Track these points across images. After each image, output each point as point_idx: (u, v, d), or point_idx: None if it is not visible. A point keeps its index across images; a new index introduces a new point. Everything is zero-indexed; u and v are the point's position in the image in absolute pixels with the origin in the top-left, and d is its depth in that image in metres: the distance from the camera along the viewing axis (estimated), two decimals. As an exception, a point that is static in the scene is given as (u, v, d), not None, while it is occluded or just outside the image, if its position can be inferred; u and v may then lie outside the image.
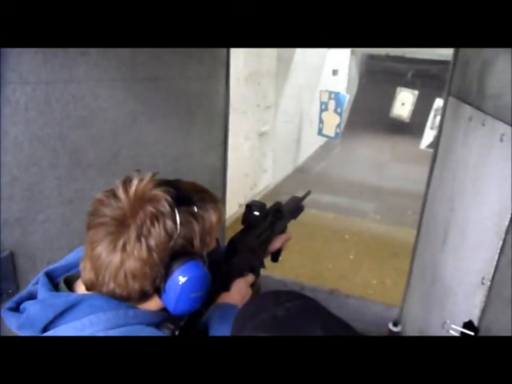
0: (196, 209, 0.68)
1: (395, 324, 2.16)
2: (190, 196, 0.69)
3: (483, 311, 1.03)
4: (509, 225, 0.94)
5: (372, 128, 8.78)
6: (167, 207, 0.63)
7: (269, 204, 1.05)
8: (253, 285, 0.95)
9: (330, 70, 7.15)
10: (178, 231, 0.64)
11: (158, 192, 0.64)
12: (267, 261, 1.10)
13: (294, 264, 3.41)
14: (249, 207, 0.95)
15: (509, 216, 0.93)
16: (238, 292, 0.88)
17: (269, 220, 1.03)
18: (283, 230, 1.13)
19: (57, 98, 1.18)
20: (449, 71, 1.78)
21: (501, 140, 1.01)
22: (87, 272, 0.66)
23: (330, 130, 4.09)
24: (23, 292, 0.70)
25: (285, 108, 5.53)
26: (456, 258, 1.30)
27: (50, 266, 0.73)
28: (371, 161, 7.37)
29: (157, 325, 0.69)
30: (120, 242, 0.62)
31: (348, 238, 4.30)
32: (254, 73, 4.35)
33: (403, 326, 2.14)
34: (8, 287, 1.13)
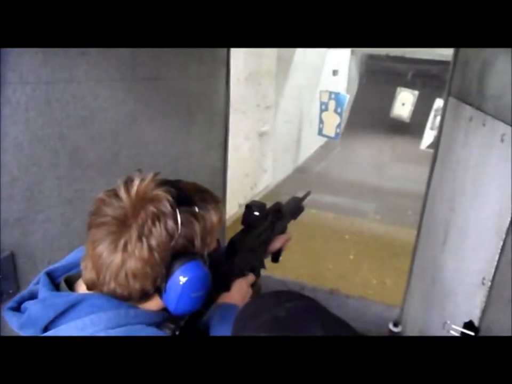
0: (197, 209, 0.68)
1: (395, 324, 2.16)
2: (191, 196, 0.69)
3: (483, 311, 1.03)
4: (509, 226, 0.94)
5: (372, 129, 8.78)
6: (169, 207, 0.64)
7: (269, 204, 1.05)
8: (253, 285, 0.95)
9: (331, 70, 7.15)
10: (179, 231, 0.64)
11: (160, 192, 0.64)
12: (267, 261, 1.10)
13: (294, 264, 3.41)
14: (249, 207, 0.95)
15: (509, 216, 0.93)
16: (239, 291, 0.88)
17: (269, 220, 1.03)
18: (283, 230, 1.13)
19: (57, 98, 1.18)
20: (449, 71, 1.78)
21: (502, 140, 1.01)
22: (88, 271, 0.66)
23: (330, 130, 4.09)
24: (24, 292, 0.70)
25: (285, 108, 5.54)
26: (457, 259, 1.30)
27: (51, 266, 0.73)
28: (371, 161, 7.37)
29: (158, 325, 0.69)
30: (122, 242, 0.62)
31: (348, 238, 4.30)
32: (254, 73, 4.35)
33: (403, 326, 2.14)
34: (9, 287, 1.13)
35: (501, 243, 0.96)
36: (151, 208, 0.63)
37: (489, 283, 1.01)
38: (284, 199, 1.20)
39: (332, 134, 4.09)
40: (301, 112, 6.44)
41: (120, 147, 1.46)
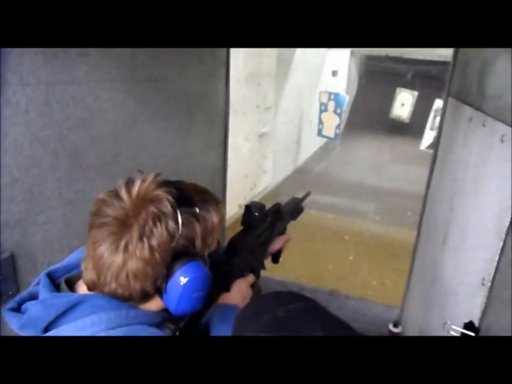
0: (197, 210, 0.68)
1: (395, 325, 2.16)
2: (192, 196, 0.69)
3: (483, 312, 1.03)
4: (509, 226, 0.94)
5: (371, 129, 8.78)
6: (169, 208, 0.64)
7: (268, 205, 1.05)
8: (253, 286, 0.95)
9: (330, 70, 7.16)
10: (180, 232, 0.64)
11: (160, 192, 0.64)
12: (267, 262, 1.10)
13: (294, 265, 3.40)
14: (249, 208, 0.95)
15: (509, 217, 0.93)
16: (239, 292, 0.88)
17: (268, 221, 1.03)
18: (283, 231, 1.12)
19: (58, 99, 1.18)
20: (449, 71, 1.79)
21: (502, 140, 1.01)
22: (88, 272, 0.66)
23: (330, 131, 4.09)
24: (24, 293, 0.71)
25: (284, 108, 5.54)
26: (457, 259, 1.30)
27: (52, 267, 0.74)
28: (371, 162, 7.37)
29: (158, 325, 0.70)
30: (123, 243, 0.62)
31: (347, 238, 4.30)
32: (254, 74, 4.36)
33: (403, 327, 2.14)
34: (9, 289, 1.13)
35: (501, 243, 0.96)
36: (152, 209, 0.63)
37: (489, 283, 1.01)
38: (284, 199, 1.20)
39: (332, 135, 4.09)
40: (301, 112, 6.45)
41: (121, 148, 1.46)
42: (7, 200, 1.09)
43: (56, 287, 0.70)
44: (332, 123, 4.03)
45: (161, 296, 0.68)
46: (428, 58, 7.08)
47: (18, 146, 1.10)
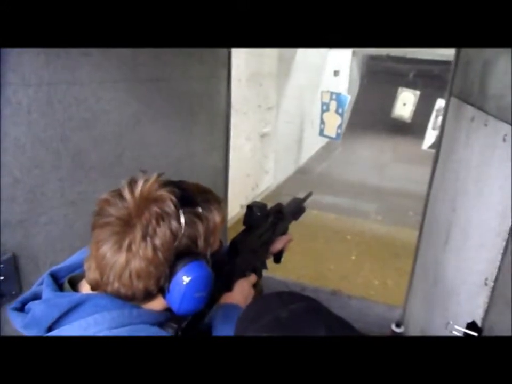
0: (200, 209, 0.68)
1: (398, 325, 2.16)
2: (194, 196, 0.69)
3: (486, 312, 1.03)
4: (511, 226, 0.94)
5: (373, 129, 8.77)
6: (172, 207, 0.64)
7: (270, 205, 1.05)
8: (255, 286, 0.95)
9: (332, 70, 7.15)
10: (183, 231, 0.65)
11: (163, 192, 0.65)
12: (269, 262, 1.10)
13: (296, 265, 3.40)
14: (251, 208, 0.95)
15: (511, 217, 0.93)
16: (241, 292, 0.89)
17: (270, 221, 1.03)
18: (284, 231, 1.13)
19: (60, 100, 1.18)
20: (450, 71, 1.78)
21: (504, 140, 1.01)
22: (91, 271, 0.66)
23: (331, 131, 4.08)
24: (27, 292, 0.71)
25: (286, 108, 5.54)
26: (459, 259, 1.30)
27: (55, 267, 0.74)
28: (372, 162, 7.36)
29: (161, 325, 0.70)
30: (126, 242, 0.62)
31: (349, 238, 4.30)
32: (256, 74, 4.36)
33: (406, 327, 2.13)
34: (11, 289, 1.13)
35: (504, 243, 0.96)
36: (155, 209, 0.63)
37: (492, 283, 1.01)
38: (285, 200, 1.20)
39: (333, 135, 4.08)
40: (302, 112, 6.44)
41: (123, 149, 1.46)
42: (9, 200, 1.09)
43: (59, 287, 0.71)
44: (334, 123, 4.02)
45: (164, 296, 0.68)
46: (430, 58, 7.06)
47: (20, 146, 1.10)
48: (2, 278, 1.09)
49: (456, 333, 1.10)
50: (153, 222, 0.63)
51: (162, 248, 0.63)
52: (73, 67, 1.21)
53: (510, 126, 0.98)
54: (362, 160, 7.42)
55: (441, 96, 3.56)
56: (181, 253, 0.66)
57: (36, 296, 0.70)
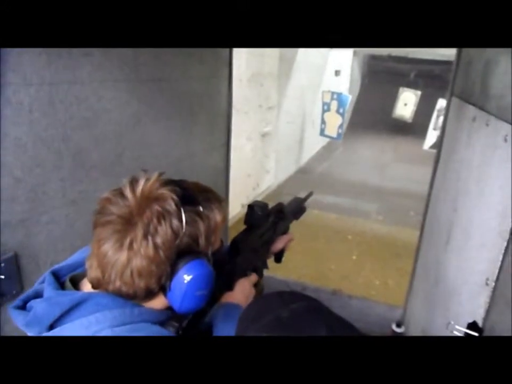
0: (201, 208, 0.69)
1: (398, 325, 2.16)
2: (196, 195, 0.70)
3: (487, 312, 1.03)
4: (512, 226, 0.94)
5: (374, 129, 8.77)
6: (173, 206, 0.64)
7: (271, 205, 1.05)
8: (256, 285, 0.95)
9: (333, 70, 7.15)
10: (184, 230, 0.65)
11: (165, 191, 0.65)
12: (270, 261, 1.10)
13: (297, 264, 3.40)
14: (252, 207, 0.95)
15: (513, 216, 0.93)
16: (242, 291, 0.89)
17: (271, 220, 1.03)
18: (285, 231, 1.13)
19: (61, 99, 1.19)
20: (452, 71, 1.78)
21: (505, 140, 1.00)
22: (93, 270, 0.66)
23: (332, 131, 4.08)
24: (29, 291, 0.71)
25: (287, 108, 5.54)
26: (460, 259, 1.30)
27: (56, 266, 0.74)
28: (373, 161, 7.36)
29: (162, 323, 0.70)
30: (127, 240, 0.62)
31: (350, 238, 4.30)
32: (257, 74, 4.36)
33: (406, 327, 2.13)
34: (12, 288, 1.13)
35: (505, 243, 0.96)
36: (156, 207, 0.63)
37: (493, 283, 1.01)
38: (286, 199, 1.20)
39: (334, 135, 4.08)
40: (303, 112, 6.44)
41: (124, 148, 1.47)
42: (11, 200, 1.09)
43: (61, 286, 0.71)
44: (335, 123, 4.02)
45: (165, 294, 0.68)
46: (431, 58, 7.06)
47: (22, 146, 1.10)
48: (3, 277, 1.09)
49: (457, 333, 1.10)
50: (155, 220, 0.63)
51: (164, 246, 0.63)
52: (75, 67, 1.21)
53: (511, 126, 0.98)
54: (363, 160, 7.42)
55: (442, 96, 3.56)
56: (182, 252, 0.66)
57: (38, 295, 0.70)
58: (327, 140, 5.04)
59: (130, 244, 0.62)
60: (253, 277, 0.95)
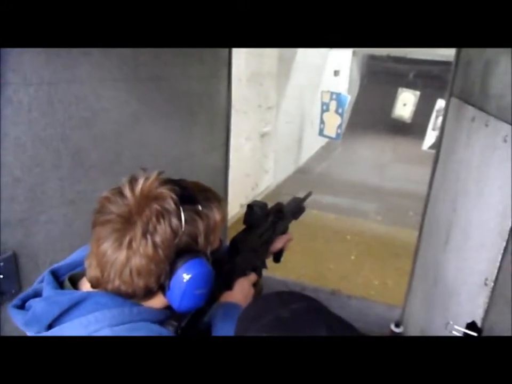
0: (200, 207, 0.68)
1: (397, 325, 2.16)
2: (195, 194, 0.70)
3: (486, 312, 1.03)
4: (512, 226, 0.94)
5: (373, 129, 8.77)
6: (173, 205, 0.64)
7: (270, 205, 1.05)
8: (255, 285, 0.95)
9: (332, 70, 7.15)
10: (183, 229, 0.65)
11: (164, 190, 0.65)
12: (269, 261, 1.10)
13: (296, 264, 3.41)
14: (251, 207, 0.95)
15: (512, 216, 0.93)
16: (241, 291, 0.89)
17: (270, 220, 1.03)
18: (284, 231, 1.13)
19: (60, 98, 1.18)
20: (451, 71, 1.78)
21: (505, 140, 1.01)
22: (92, 269, 0.66)
23: (331, 131, 4.08)
24: (28, 290, 0.71)
25: (286, 108, 5.54)
26: (459, 259, 1.30)
27: (55, 265, 0.74)
28: (372, 162, 7.36)
29: (161, 323, 0.70)
30: (126, 239, 0.62)
31: (349, 238, 4.30)
32: (256, 74, 4.36)
33: (405, 327, 2.13)
34: (11, 288, 1.13)
35: (504, 243, 0.96)
36: (156, 206, 0.63)
37: (492, 283, 1.01)
38: (285, 199, 1.20)
39: (333, 135, 4.08)
40: (302, 112, 6.44)
41: (123, 147, 1.46)
42: (10, 199, 1.09)
43: (60, 285, 0.71)
44: (334, 123, 4.02)
45: (164, 293, 0.68)
46: (430, 58, 7.06)
47: (21, 145, 1.10)
48: (1, 276, 1.09)
49: (456, 333, 1.11)
50: (154, 219, 0.63)
51: (163, 245, 0.63)
52: (74, 66, 1.21)
53: (510, 126, 0.98)
54: (362, 160, 7.43)
55: (441, 97, 3.56)
56: (181, 251, 0.66)
57: (37, 294, 0.70)
58: (326, 140, 5.04)
59: (130, 242, 0.62)
60: (252, 277, 0.95)
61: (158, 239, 0.63)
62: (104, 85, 1.33)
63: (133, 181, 0.65)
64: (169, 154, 1.77)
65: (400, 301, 2.28)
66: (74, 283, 0.71)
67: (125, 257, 0.63)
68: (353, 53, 8.46)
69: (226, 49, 2.08)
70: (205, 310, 0.80)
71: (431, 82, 5.94)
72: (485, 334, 1.04)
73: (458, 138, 1.48)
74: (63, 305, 0.64)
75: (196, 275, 0.66)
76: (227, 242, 0.95)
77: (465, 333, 1.07)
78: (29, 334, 0.67)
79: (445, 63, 5.20)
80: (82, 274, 0.72)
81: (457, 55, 1.72)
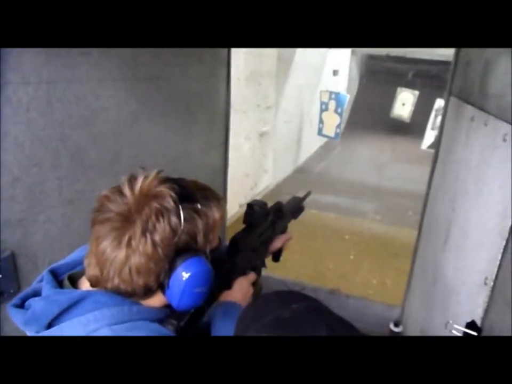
0: (199, 206, 0.69)
1: (396, 324, 2.16)
2: (194, 193, 0.70)
3: (486, 311, 1.03)
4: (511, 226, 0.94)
5: (372, 129, 8.77)
6: (172, 204, 0.64)
7: (269, 204, 1.05)
8: (254, 284, 0.95)
9: (331, 70, 7.15)
10: (182, 227, 0.65)
11: (163, 188, 0.65)
12: (268, 260, 1.10)
13: (295, 264, 3.41)
14: (251, 206, 0.96)
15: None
16: (240, 290, 0.89)
17: (269, 219, 1.03)
18: (284, 230, 1.13)
19: (59, 98, 1.18)
20: (450, 71, 1.78)
21: (504, 139, 1.01)
22: (92, 268, 0.66)
23: (330, 130, 4.08)
24: (28, 289, 0.71)
25: (285, 108, 5.53)
26: (458, 258, 1.30)
27: (55, 264, 0.74)
28: (371, 161, 7.36)
29: (161, 321, 0.70)
30: (126, 238, 0.62)
31: (348, 238, 4.30)
32: (255, 73, 4.35)
33: (404, 326, 2.14)
34: (9, 287, 1.13)
35: (504, 243, 0.96)
36: (155, 204, 0.63)
37: (492, 283, 1.01)
38: (284, 199, 1.20)
39: (332, 134, 4.08)
40: (301, 112, 6.44)
41: (122, 147, 1.46)
42: (8, 199, 1.09)
43: (59, 284, 0.71)
44: (333, 122, 4.03)
45: (163, 292, 0.68)
46: (429, 58, 7.07)
47: (19, 145, 1.10)
48: (0, 276, 1.09)
49: (455, 332, 1.11)
50: (153, 217, 0.63)
51: (162, 244, 0.63)
52: (73, 65, 1.20)
53: (510, 126, 0.98)
54: (361, 160, 7.43)
55: (440, 96, 3.57)
56: (181, 249, 0.66)
57: (36, 293, 0.70)
58: (325, 139, 5.04)
59: (129, 241, 0.62)
60: (252, 276, 0.95)
61: (157, 237, 0.63)
62: (103, 85, 1.33)
63: (132, 180, 0.65)
64: (168, 153, 1.77)
65: (399, 300, 2.28)
66: (74, 282, 0.71)
67: (124, 255, 0.63)
68: (352, 53, 8.46)
69: (225, 49, 2.08)
70: (204, 309, 0.80)
71: (430, 81, 5.95)
72: (484, 333, 1.04)
73: (457, 137, 1.48)
74: (62, 304, 0.64)
75: (195, 273, 0.66)
76: (226, 242, 0.95)
77: (465, 332, 1.08)
78: (28, 333, 0.67)
79: (444, 63, 5.21)
80: (81, 274, 0.72)
81: (456, 55, 1.72)
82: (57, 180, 1.22)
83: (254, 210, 0.95)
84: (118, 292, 0.66)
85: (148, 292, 0.67)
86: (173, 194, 0.65)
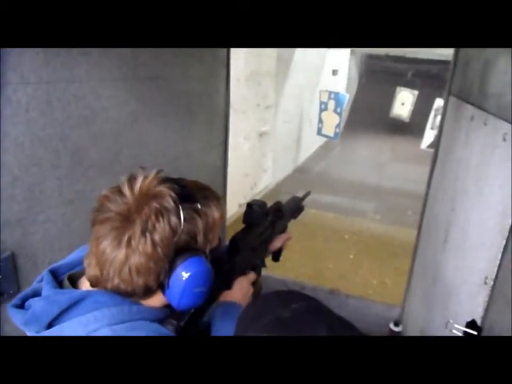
0: (199, 206, 0.69)
1: (396, 324, 2.16)
2: (194, 193, 0.70)
3: (486, 311, 1.03)
4: None
5: (371, 128, 8.78)
6: (172, 203, 0.64)
7: (269, 204, 1.05)
8: (254, 283, 0.95)
9: (330, 70, 7.15)
10: (182, 227, 0.65)
11: (163, 188, 0.65)
12: (268, 260, 1.10)
13: (295, 263, 3.41)
14: (250, 205, 0.96)
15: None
16: (240, 290, 0.89)
17: (269, 219, 1.03)
18: (283, 230, 1.13)
19: (59, 98, 1.18)
20: (449, 70, 1.78)
21: (504, 139, 1.01)
22: (91, 268, 0.66)
23: (329, 130, 4.08)
24: (27, 289, 0.71)
25: (285, 107, 5.54)
26: (458, 258, 1.30)
27: (55, 264, 0.74)
28: (371, 161, 7.36)
29: (161, 321, 0.70)
30: (125, 238, 0.62)
31: (347, 237, 4.30)
32: (254, 73, 4.36)
33: (404, 326, 2.14)
34: (9, 288, 1.13)
35: (504, 242, 0.96)
36: (155, 204, 0.63)
37: (492, 282, 1.01)
38: (284, 198, 1.20)
39: (331, 134, 4.08)
40: (301, 112, 6.44)
41: (122, 147, 1.46)
42: (8, 199, 1.09)
43: (59, 284, 0.71)
44: (332, 122, 4.02)
45: (163, 292, 0.68)
46: (428, 57, 7.07)
47: (19, 145, 1.09)
48: (0, 276, 1.09)
49: (456, 332, 1.11)
50: (153, 217, 0.63)
51: (162, 243, 0.63)
52: (72, 65, 1.20)
53: (510, 125, 0.98)
54: (361, 160, 7.43)
55: (440, 96, 3.57)
56: (180, 249, 0.66)
57: (36, 293, 0.70)
58: (325, 139, 5.04)
59: (129, 241, 0.62)
60: (251, 276, 0.95)
61: (157, 237, 0.63)
62: (103, 85, 1.33)
63: (131, 180, 0.65)
64: (168, 153, 1.77)
65: (399, 300, 2.28)
66: (74, 282, 0.71)
67: (124, 255, 0.63)
68: (352, 52, 8.46)
69: (225, 49, 2.08)
70: (204, 309, 0.80)
71: (429, 81, 5.95)
72: (484, 332, 1.04)
73: (457, 137, 1.48)
74: (62, 304, 0.64)
75: (195, 273, 0.66)
76: (226, 242, 0.95)
77: (465, 332, 1.08)
78: (28, 333, 0.67)
79: (443, 62, 5.22)
80: (81, 274, 0.72)
81: (456, 55, 1.72)
82: (57, 180, 1.22)
83: (254, 210, 0.95)
84: (118, 292, 0.66)
85: (148, 291, 0.67)
86: (172, 194, 0.65)
